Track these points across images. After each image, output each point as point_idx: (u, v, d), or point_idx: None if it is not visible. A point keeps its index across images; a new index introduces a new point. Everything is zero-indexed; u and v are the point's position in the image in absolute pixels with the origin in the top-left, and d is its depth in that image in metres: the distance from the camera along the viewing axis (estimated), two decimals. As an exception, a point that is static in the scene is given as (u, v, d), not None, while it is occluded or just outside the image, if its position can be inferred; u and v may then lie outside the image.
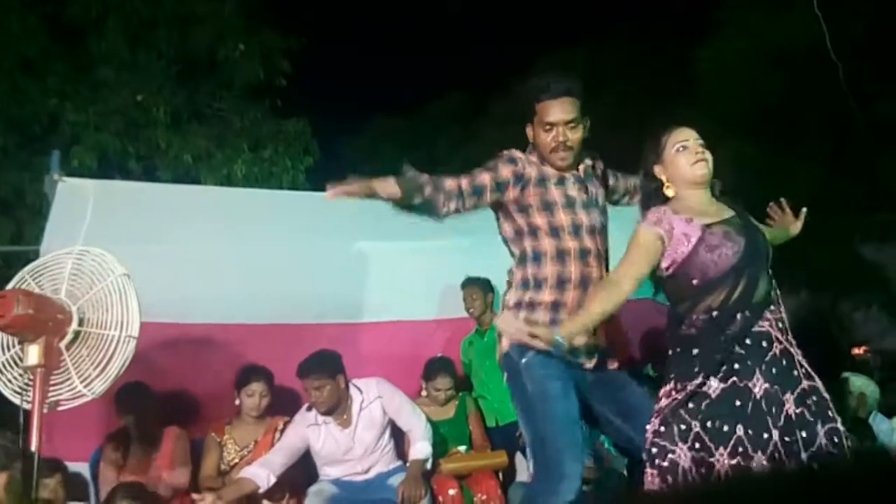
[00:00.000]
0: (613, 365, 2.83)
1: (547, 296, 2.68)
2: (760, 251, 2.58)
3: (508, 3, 15.31)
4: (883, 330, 8.93)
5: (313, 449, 3.89)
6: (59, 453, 3.69)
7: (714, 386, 2.45)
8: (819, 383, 2.53)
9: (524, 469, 4.21)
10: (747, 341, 2.48)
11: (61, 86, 8.06)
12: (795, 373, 2.49)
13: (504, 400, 4.44)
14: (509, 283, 2.82)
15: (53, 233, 3.96)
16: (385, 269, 4.66)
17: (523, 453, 4.26)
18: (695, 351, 2.50)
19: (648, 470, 2.48)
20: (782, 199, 3.04)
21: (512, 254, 2.84)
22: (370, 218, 4.80)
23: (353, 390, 3.95)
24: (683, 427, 2.44)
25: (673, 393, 2.50)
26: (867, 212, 8.48)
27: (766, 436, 2.39)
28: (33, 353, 2.60)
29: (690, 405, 2.45)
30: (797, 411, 2.44)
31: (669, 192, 2.64)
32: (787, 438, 2.40)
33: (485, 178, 2.68)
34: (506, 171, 2.69)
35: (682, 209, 2.59)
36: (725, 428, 2.40)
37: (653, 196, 2.67)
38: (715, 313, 2.50)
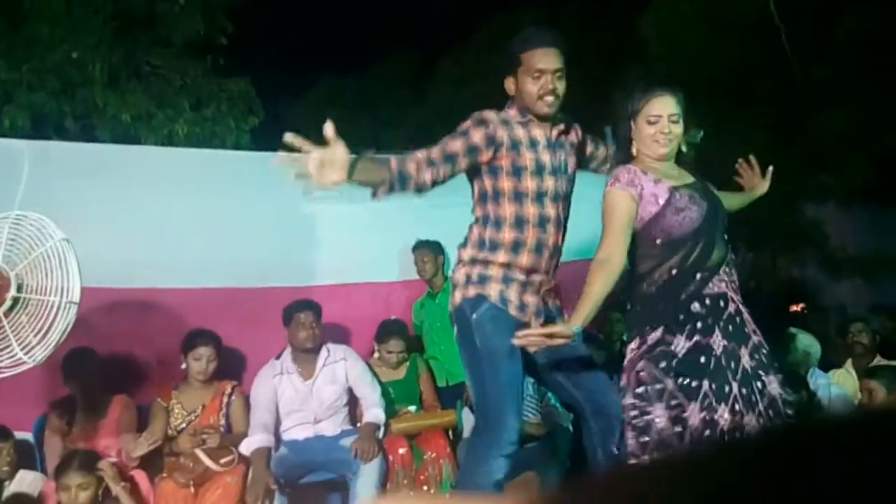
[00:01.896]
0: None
1: (501, 257, 2.72)
2: (720, 215, 2.68)
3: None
4: (820, 288, 9.24)
5: (278, 398, 3.96)
6: (6, 422, 3.63)
7: (681, 345, 2.55)
8: (762, 338, 2.68)
9: (470, 425, 4.28)
10: (706, 301, 2.59)
11: (-9, 42, 7.73)
12: (746, 329, 2.62)
13: (454, 360, 4.50)
14: (466, 239, 2.84)
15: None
16: (335, 231, 4.63)
17: (472, 410, 4.33)
18: (658, 307, 2.58)
19: (629, 433, 2.57)
20: (751, 157, 3.11)
21: (472, 212, 2.85)
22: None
23: (322, 348, 4.07)
24: (659, 387, 2.53)
25: (641, 350, 2.58)
26: (805, 173, 8.68)
27: (727, 388, 2.52)
28: (-31, 321, 2.52)
29: (662, 364, 2.54)
30: (751, 364, 2.59)
31: (632, 150, 2.69)
32: (744, 390, 2.54)
33: (456, 144, 2.66)
34: (477, 136, 2.68)
35: (649, 170, 2.64)
36: (694, 383, 2.52)
37: (623, 149, 2.72)
38: (674, 272, 2.59)
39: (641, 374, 2.57)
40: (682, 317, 2.57)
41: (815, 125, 8.16)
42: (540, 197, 2.74)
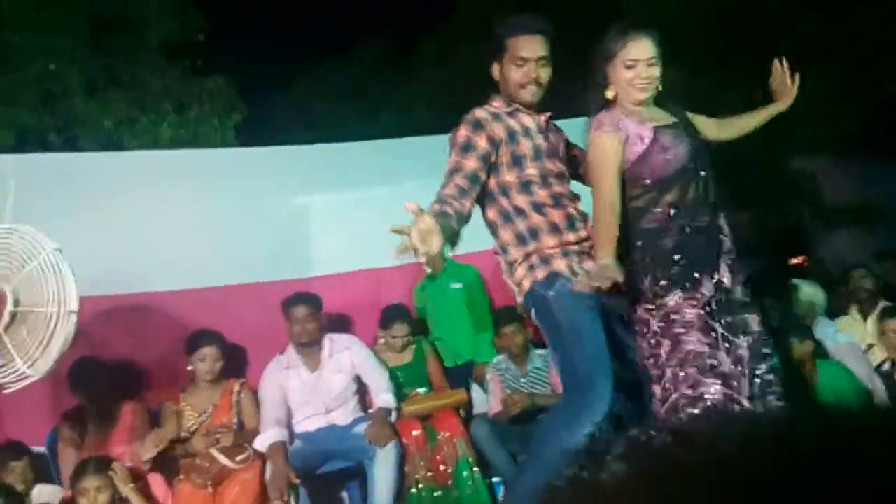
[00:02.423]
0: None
1: (548, 241, 2.70)
2: (706, 153, 2.69)
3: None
4: (818, 239, 9.23)
5: (286, 393, 3.95)
6: (21, 437, 3.63)
7: (706, 284, 2.57)
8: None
9: (483, 403, 4.28)
10: (710, 234, 2.61)
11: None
12: (733, 267, 2.65)
13: (460, 340, 4.50)
14: (502, 246, 2.82)
15: (-25, 214, 3.79)
16: (328, 220, 4.61)
17: (481, 388, 4.32)
18: (666, 243, 2.57)
19: (687, 390, 2.55)
20: (782, 60, 3.01)
21: (488, 223, 2.83)
22: (308, 171, 4.75)
23: (324, 339, 4.06)
24: (714, 334, 2.55)
25: (679, 299, 2.57)
26: (795, 125, 8.66)
27: (733, 323, 2.58)
28: (-31, 339, 2.50)
29: (710, 308, 2.56)
30: (746, 300, 2.65)
31: (609, 94, 2.66)
32: (742, 322, 2.61)
33: (472, 162, 2.64)
34: (482, 142, 2.67)
35: (630, 112, 2.64)
36: (730, 321, 2.57)
37: (601, 93, 2.69)
38: (674, 210, 2.59)
39: (678, 318, 2.56)
40: (693, 253, 2.57)
41: (803, 80, 8.13)
42: (545, 179, 2.73)
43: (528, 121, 2.77)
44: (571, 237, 2.73)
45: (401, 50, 14.75)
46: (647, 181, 2.61)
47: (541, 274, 2.69)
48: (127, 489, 3.37)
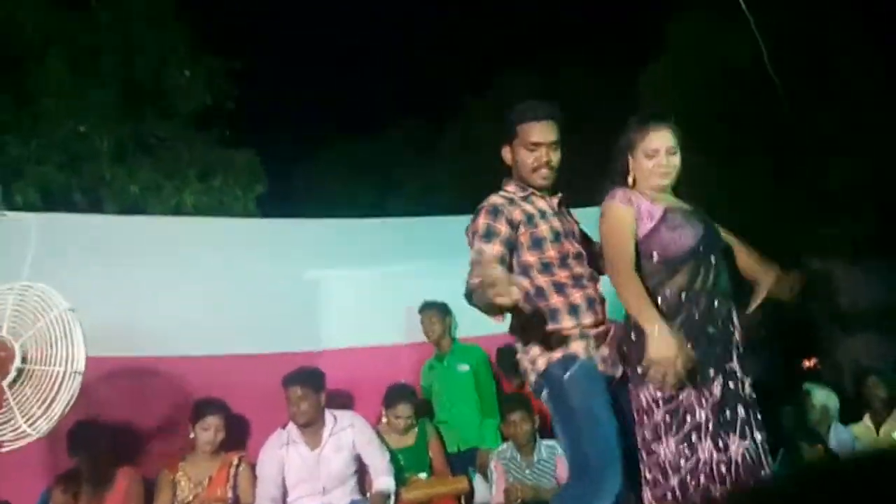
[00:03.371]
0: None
1: (566, 322, 2.71)
2: (719, 241, 2.70)
3: (462, 27, 15.48)
4: (832, 341, 9.12)
5: (285, 470, 3.88)
6: (7, 496, 3.57)
7: (718, 380, 2.52)
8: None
9: (485, 493, 4.18)
10: (719, 323, 2.58)
11: (1, 118, 7.86)
12: (742, 358, 2.61)
13: (466, 425, 4.43)
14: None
15: (-5, 268, 3.84)
16: (341, 295, 4.63)
17: (484, 476, 4.24)
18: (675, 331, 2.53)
19: (674, 475, 2.51)
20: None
21: None
22: (323, 245, 4.79)
23: (327, 416, 4.00)
24: (702, 422, 2.50)
25: (691, 396, 2.52)
26: (811, 225, 8.67)
27: (739, 415, 2.52)
28: (-27, 394, 2.50)
29: (722, 407, 2.51)
30: (752, 395, 2.60)
31: (629, 181, 2.73)
32: (748, 416, 2.54)
33: (496, 248, 2.69)
34: (503, 227, 2.72)
35: (644, 193, 2.69)
36: (738, 413, 2.51)
37: (618, 176, 2.75)
38: (684, 294, 2.58)
39: (684, 412, 2.52)
40: (704, 343, 2.54)
41: (816, 176, 8.19)
42: (564, 260, 2.76)
43: (543, 204, 2.82)
44: (589, 319, 2.73)
45: (425, 132, 15.05)
46: (656, 258, 2.62)
47: (557, 354, 2.68)
48: None
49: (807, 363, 8.60)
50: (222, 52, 9.00)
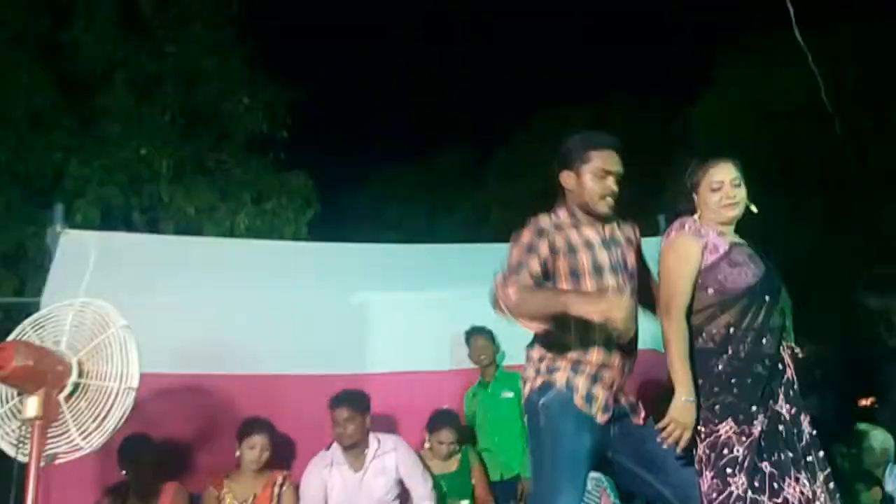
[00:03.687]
0: (637, 420, 2.84)
1: (570, 354, 2.72)
2: (776, 281, 2.69)
3: (511, 59, 15.59)
4: (889, 381, 8.84)
5: (327, 492, 3.90)
6: None
7: (759, 418, 2.51)
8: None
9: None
10: (766, 362, 2.56)
11: (67, 140, 8.15)
12: (794, 400, 2.59)
13: (509, 452, 4.40)
14: (533, 340, 2.85)
15: (55, 284, 3.96)
16: (387, 320, 4.65)
17: (526, 507, 4.20)
18: (719, 366, 2.54)
19: None
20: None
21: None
22: (372, 269, 4.84)
23: (371, 439, 4.01)
24: (747, 465, 2.49)
25: (730, 431, 2.51)
26: (866, 263, 8.47)
27: (796, 456, 2.51)
28: (32, 406, 2.58)
29: (745, 440, 2.50)
30: (811, 432, 2.58)
31: (695, 217, 2.74)
32: (808, 458, 2.52)
33: (535, 265, 2.71)
34: (543, 248, 2.73)
35: (713, 227, 2.71)
36: (783, 456, 2.49)
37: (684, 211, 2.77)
38: (732, 329, 2.57)
39: (721, 447, 2.50)
40: (749, 381, 2.52)
41: (873, 212, 8.01)
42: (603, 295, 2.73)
43: (591, 233, 2.80)
44: (595, 357, 2.72)
45: (474, 160, 15.13)
46: (711, 292, 2.61)
47: (539, 381, 2.73)
48: None
49: (864, 402, 8.35)
50: (279, 80, 9.21)
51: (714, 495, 2.48)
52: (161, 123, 8.64)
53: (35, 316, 2.89)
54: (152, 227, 8.19)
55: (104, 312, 2.79)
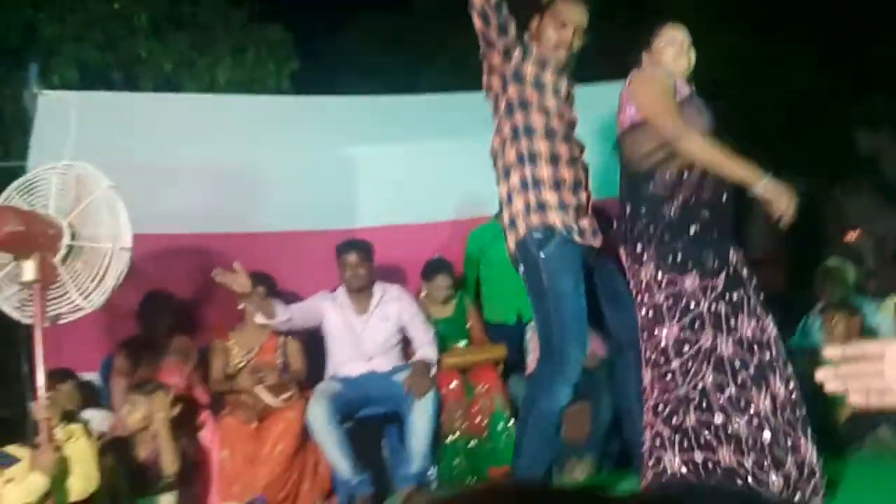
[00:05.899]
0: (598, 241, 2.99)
1: (547, 194, 2.79)
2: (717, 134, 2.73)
3: None
4: (874, 214, 8.96)
5: (325, 324, 3.99)
6: (71, 364, 3.78)
7: (722, 273, 2.59)
8: None
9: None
10: (716, 208, 2.63)
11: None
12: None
13: (508, 296, 4.40)
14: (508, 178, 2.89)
15: (38, 147, 3.91)
16: (377, 172, 4.62)
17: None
18: (668, 213, 2.59)
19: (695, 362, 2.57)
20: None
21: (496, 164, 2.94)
22: (359, 122, 4.76)
23: (376, 286, 4.08)
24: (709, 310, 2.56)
25: (695, 285, 2.57)
26: (858, 97, 8.36)
27: (750, 298, 2.62)
28: (29, 269, 2.62)
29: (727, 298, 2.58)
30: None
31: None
32: (760, 297, 2.64)
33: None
34: (516, 49, 2.76)
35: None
36: (736, 297, 2.58)
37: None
38: (685, 174, 2.58)
39: (686, 301, 2.57)
40: (699, 227, 2.60)
41: (868, 47, 7.83)
42: (567, 136, 2.84)
43: (558, 81, 2.88)
44: (568, 197, 2.81)
45: (456, 2, 14.53)
46: None
47: (535, 219, 2.78)
48: (160, 417, 3.38)
49: (850, 235, 8.49)
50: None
51: (685, 347, 2.55)
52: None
53: (20, 180, 2.87)
54: (130, 85, 7.96)
55: (88, 174, 2.77)
